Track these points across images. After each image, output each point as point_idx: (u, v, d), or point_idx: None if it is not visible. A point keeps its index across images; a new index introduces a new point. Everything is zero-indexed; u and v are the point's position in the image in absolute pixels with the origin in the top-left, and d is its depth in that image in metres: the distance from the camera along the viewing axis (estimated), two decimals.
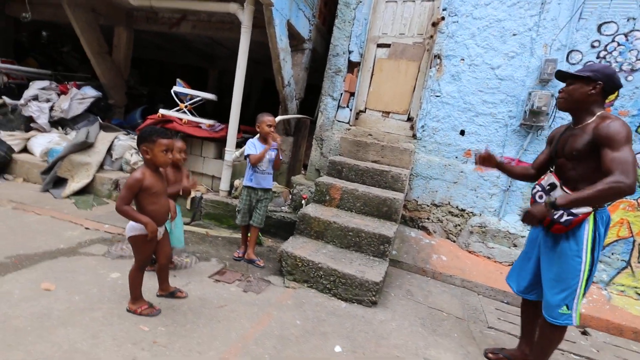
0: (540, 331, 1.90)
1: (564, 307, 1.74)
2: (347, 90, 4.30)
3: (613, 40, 3.19)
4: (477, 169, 3.69)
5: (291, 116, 4.50)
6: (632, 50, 3.13)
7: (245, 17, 3.76)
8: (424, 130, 3.91)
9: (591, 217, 1.71)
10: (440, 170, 3.83)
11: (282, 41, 3.89)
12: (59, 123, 4.96)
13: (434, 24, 3.86)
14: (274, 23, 3.63)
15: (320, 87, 4.46)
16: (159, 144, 1.88)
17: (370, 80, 4.29)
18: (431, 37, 3.91)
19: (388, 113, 4.24)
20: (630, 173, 1.49)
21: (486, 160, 2.06)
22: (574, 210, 1.69)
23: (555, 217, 1.74)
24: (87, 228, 3.19)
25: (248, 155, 2.88)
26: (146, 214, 1.89)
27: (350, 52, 4.25)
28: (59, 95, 5.09)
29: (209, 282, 2.56)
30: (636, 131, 3.15)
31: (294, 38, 4.37)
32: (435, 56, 3.82)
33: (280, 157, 3.00)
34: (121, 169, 4.48)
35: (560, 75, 1.81)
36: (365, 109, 4.35)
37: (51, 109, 4.85)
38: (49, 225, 3.12)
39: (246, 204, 2.99)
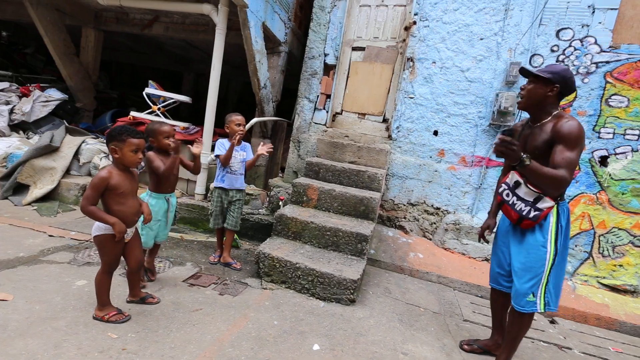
0: (509, 319, 1.97)
1: (530, 295, 1.82)
2: (323, 93, 4.34)
3: (570, 45, 3.41)
4: (450, 168, 3.80)
5: (268, 118, 4.48)
6: (587, 54, 3.36)
7: (219, 19, 3.73)
8: (399, 131, 4.00)
9: (554, 211, 1.81)
10: (415, 170, 3.92)
11: (257, 43, 3.88)
12: (19, 127, 4.69)
13: (406, 28, 3.98)
14: (249, 25, 3.61)
15: (297, 91, 4.47)
16: (129, 143, 1.82)
17: (346, 83, 4.35)
18: (404, 40, 4.03)
19: (364, 115, 4.30)
20: (572, 171, 1.69)
21: (487, 229, 2.23)
22: (539, 206, 1.79)
23: (524, 213, 1.83)
24: (50, 235, 3.01)
25: (218, 156, 2.85)
26: (112, 214, 1.82)
27: (326, 55, 4.30)
28: (20, 97, 4.83)
29: (183, 286, 2.48)
30: (593, 130, 3.37)
31: (270, 41, 4.38)
32: (408, 59, 3.93)
33: (252, 155, 2.97)
34: (89, 174, 4.28)
35: (524, 72, 1.91)
36: (342, 110, 4.40)
37: (11, 111, 4.58)
38: (7, 233, 2.92)
39: (218, 206, 2.92)
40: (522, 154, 1.66)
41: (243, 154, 2.93)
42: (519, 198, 1.85)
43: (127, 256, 2.00)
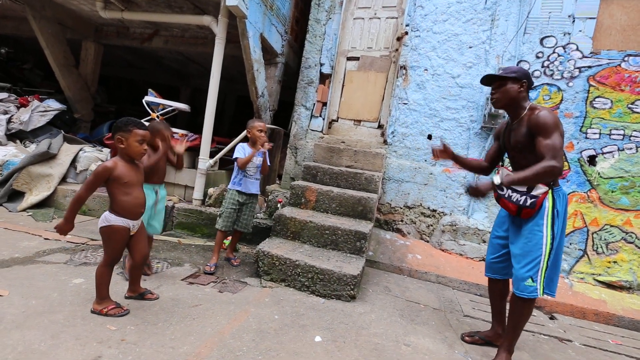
0: (510, 307, 1.98)
1: (529, 280, 1.85)
2: (319, 101, 4.45)
3: (554, 52, 3.59)
4: (445, 170, 3.88)
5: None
6: (570, 60, 3.54)
7: (219, 29, 3.86)
8: (394, 136, 4.09)
9: (549, 196, 1.87)
10: (411, 173, 3.99)
11: (255, 53, 4.01)
12: (17, 136, 4.69)
13: (399, 39, 4.16)
14: (247, 35, 3.75)
15: (293, 104, 4.59)
16: (135, 134, 1.86)
17: (342, 91, 4.48)
18: (397, 50, 4.20)
19: (359, 121, 4.41)
20: (559, 156, 1.74)
21: (442, 152, 2.24)
22: (534, 193, 1.85)
23: (521, 203, 1.88)
24: (46, 239, 2.98)
25: (236, 159, 2.86)
26: (118, 204, 1.84)
27: (321, 65, 4.44)
28: (18, 107, 4.86)
29: (182, 284, 2.46)
30: (580, 130, 3.50)
31: (267, 52, 4.52)
32: (401, 67, 4.09)
33: (268, 163, 3.03)
34: None
35: (489, 78, 2.01)
36: (338, 118, 4.50)
37: (9, 121, 4.60)
38: (2, 236, 2.88)
39: (231, 208, 2.88)
40: (492, 182, 1.87)
41: (260, 160, 2.97)
42: (514, 190, 1.91)
43: (132, 249, 2.00)
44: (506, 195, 1.94)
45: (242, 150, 2.89)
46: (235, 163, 2.88)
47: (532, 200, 1.85)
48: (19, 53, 7.22)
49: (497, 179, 1.84)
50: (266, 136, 2.97)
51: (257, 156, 2.91)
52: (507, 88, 1.93)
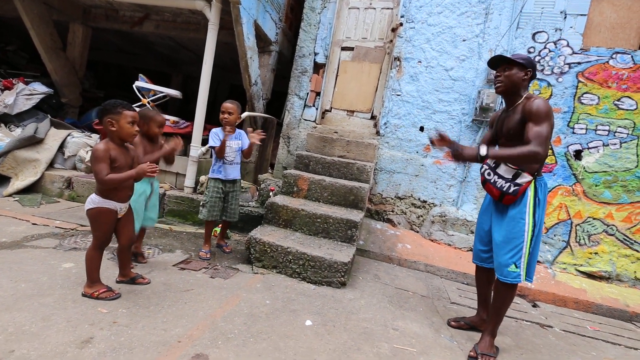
0: (494, 293, 2.05)
1: (513, 266, 1.91)
2: (313, 90, 4.44)
3: (545, 47, 3.64)
4: (436, 162, 3.94)
5: (258, 114, 4.53)
6: (560, 55, 3.60)
7: (212, 14, 3.80)
8: (386, 127, 4.12)
9: (532, 185, 1.93)
10: (402, 165, 4.04)
11: (249, 40, 3.96)
12: (1, 120, 4.56)
13: (393, 30, 4.15)
14: (241, 21, 3.70)
15: (286, 93, 4.56)
16: (125, 115, 1.84)
17: (336, 81, 4.47)
18: (391, 41, 4.20)
19: (353, 112, 4.42)
20: (544, 145, 1.79)
21: (440, 141, 2.25)
22: (518, 181, 1.91)
23: (504, 189, 1.94)
24: (34, 224, 2.94)
25: (213, 147, 2.78)
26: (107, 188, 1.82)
27: (316, 54, 4.42)
28: (2, 90, 4.71)
29: (173, 270, 2.46)
30: (567, 125, 3.58)
31: (261, 40, 4.47)
32: (395, 58, 4.09)
33: (255, 142, 2.83)
34: (74, 168, 4.20)
35: (498, 60, 2.01)
36: (331, 108, 4.50)
37: None
38: None
39: (214, 197, 2.81)
40: (477, 153, 1.91)
41: (238, 143, 2.86)
42: (500, 176, 1.97)
43: (118, 233, 1.99)
44: (492, 181, 2.00)
45: (216, 137, 2.76)
46: (213, 151, 2.81)
47: (515, 187, 1.91)
48: (2, 35, 6.96)
49: (483, 150, 1.89)
50: (231, 118, 2.74)
51: (232, 139, 2.79)
52: (513, 73, 1.95)
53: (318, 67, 4.44)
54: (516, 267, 1.91)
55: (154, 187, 2.44)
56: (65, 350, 1.46)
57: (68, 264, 2.26)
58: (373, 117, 4.32)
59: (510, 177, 1.92)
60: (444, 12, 3.94)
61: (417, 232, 3.95)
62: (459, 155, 1.96)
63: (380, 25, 4.29)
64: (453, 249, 3.67)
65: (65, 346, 1.48)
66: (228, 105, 2.78)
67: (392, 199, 4.07)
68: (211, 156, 4.51)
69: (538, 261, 2.83)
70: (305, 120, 4.44)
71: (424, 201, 3.97)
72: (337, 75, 4.46)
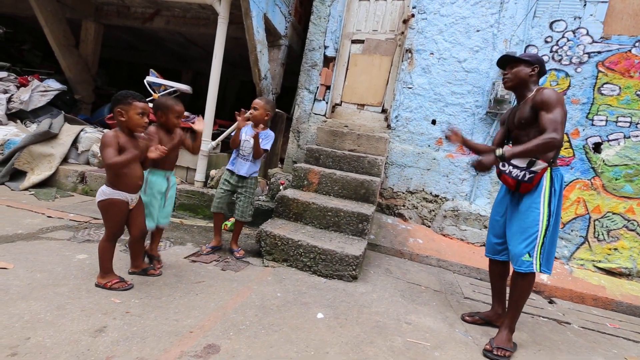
0: (511, 285, 1.99)
1: (526, 255, 1.87)
2: (323, 84, 4.40)
3: (563, 37, 3.52)
4: (448, 156, 3.86)
5: None
6: (579, 45, 3.47)
7: (222, 8, 3.78)
8: (397, 121, 4.06)
9: (547, 174, 1.90)
10: (414, 158, 3.97)
11: (259, 33, 3.94)
12: (17, 116, 4.66)
13: (405, 21, 4.07)
14: (251, 15, 3.68)
15: (296, 88, 4.52)
16: (135, 106, 1.83)
17: (346, 75, 4.42)
18: (402, 33, 4.12)
19: (363, 105, 4.37)
20: (560, 130, 1.80)
21: (453, 137, 2.34)
22: (533, 168, 1.87)
23: (520, 177, 1.90)
24: (49, 216, 2.99)
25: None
26: (117, 177, 1.83)
27: (325, 47, 4.37)
28: (18, 87, 4.81)
29: (185, 262, 2.47)
30: (586, 117, 3.46)
31: (271, 34, 4.45)
32: (406, 50, 4.02)
33: (262, 147, 2.68)
34: (88, 163, 4.26)
35: (506, 60, 2.08)
36: (341, 102, 4.45)
37: (9, 100, 4.55)
38: (5, 214, 2.89)
39: (222, 187, 2.76)
40: (495, 154, 1.91)
41: (250, 137, 2.72)
42: (515, 166, 1.93)
43: (130, 224, 2.00)
44: (507, 171, 1.97)
45: (249, 131, 2.69)
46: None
47: (531, 175, 1.88)
48: (18, 33, 7.10)
49: (499, 150, 1.91)
50: (258, 114, 2.64)
51: (245, 133, 2.71)
52: (519, 70, 2.02)
53: (328, 61, 4.40)
54: (530, 256, 1.87)
55: (171, 181, 2.31)
56: (79, 339, 1.47)
57: (82, 255, 2.29)
58: (384, 111, 4.26)
59: (525, 165, 1.89)
60: (457, 2, 3.84)
61: (429, 226, 3.88)
62: (479, 165, 1.99)
63: (391, 17, 4.22)
64: (466, 244, 3.60)
65: (79, 334, 1.50)
66: (255, 100, 2.72)
67: (403, 193, 4.01)
68: (222, 151, 4.53)
69: (555, 257, 2.76)
70: (315, 114, 4.41)
71: (436, 195, 3.90)
72: (347, 69, 4.41)
